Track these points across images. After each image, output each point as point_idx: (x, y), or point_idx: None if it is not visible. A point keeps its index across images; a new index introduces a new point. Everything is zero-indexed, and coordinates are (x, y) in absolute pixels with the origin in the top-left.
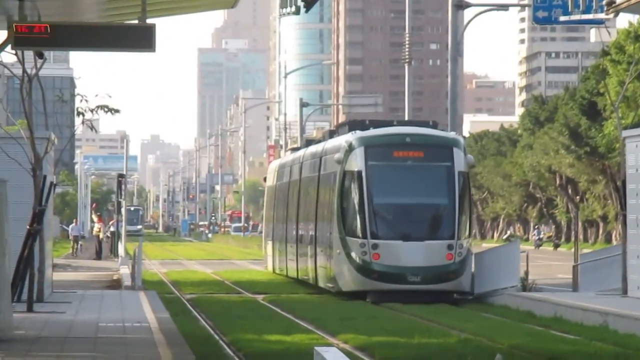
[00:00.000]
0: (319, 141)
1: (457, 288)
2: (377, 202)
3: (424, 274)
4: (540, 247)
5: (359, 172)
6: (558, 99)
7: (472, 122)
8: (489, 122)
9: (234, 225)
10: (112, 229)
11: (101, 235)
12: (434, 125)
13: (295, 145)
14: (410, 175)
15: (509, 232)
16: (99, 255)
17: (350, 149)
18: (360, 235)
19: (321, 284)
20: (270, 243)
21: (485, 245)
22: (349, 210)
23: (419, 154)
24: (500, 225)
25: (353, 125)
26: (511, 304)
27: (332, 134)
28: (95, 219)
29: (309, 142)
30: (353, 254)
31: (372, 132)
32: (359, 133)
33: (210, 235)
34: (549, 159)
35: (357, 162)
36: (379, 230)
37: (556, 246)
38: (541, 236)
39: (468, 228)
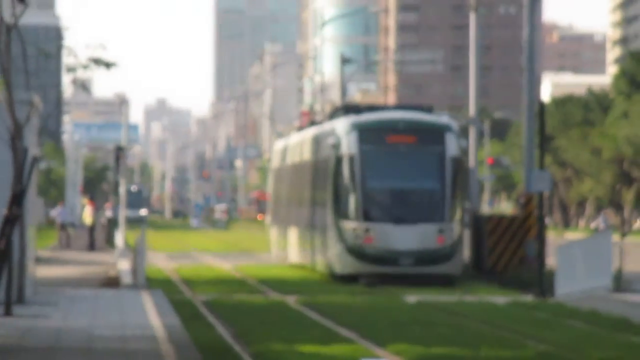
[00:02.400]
0: (320, 123)
1: (448, 271)
2: (369, 186)
3: (415, 257)
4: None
5: (352, 157)
6: None
7: (553, 84)
8: (574, 84)
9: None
10: (108, 214)
11: (90, 222)
12: (429, 110)
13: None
14: (402, 160)
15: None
16: (91, 247)
17: (344, 133)
18: (353, 219)
19: (318, 267)
20: (273, 229)
21: (570, 235)
22: (343, 194)
23: (412, 139)
24: (588, 211)
25: (348, 109)
26: (601, 308)
27: (331, 117)
28: (85, 202)
29: (312, 123)
30: (346, 237)
31: (366, 116)
32: (353, 118)
33: (199, 222)
34: None
35: (350, 147)
36: (371, 214)
37: (623, 234)
38: (607, 224)
39: (460, 212)
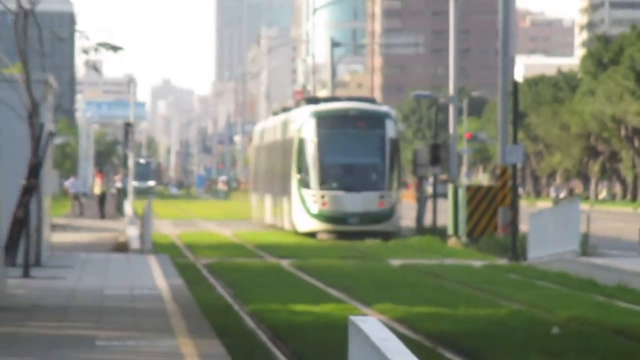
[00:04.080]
0: (290, 109)
1: (387, 228)
2: (324, 161)
3: (361, 218)
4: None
5: (311, 138)
6: (624, 39)
7: (526, 65)
8: (544, 65)
9: None
10: (118, 185)
11: (99, 191)
12: (372, 101)
13: (283, 106)
14: (351, 141)
15: (563, 194)
16: (101, 215)
17: (305, 119)
18: (312, 188)
19: (285, 227)
20: (253, 196)
21: (541, 204)
22: (304, 168)
23: (359, 125)
24: (557, 182)
25: (309, 100)
26: (570, 271)
27: (296, 105)
28: (96, 174)
29: (284, 109)
30: (306, 202)
31: (323, 106)
32: (313, 107)
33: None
34: (612, 106)
35: (310, 130)
36: (326, 184)
37: (556, 202)
38: (559, 193)
39: (396, 182)
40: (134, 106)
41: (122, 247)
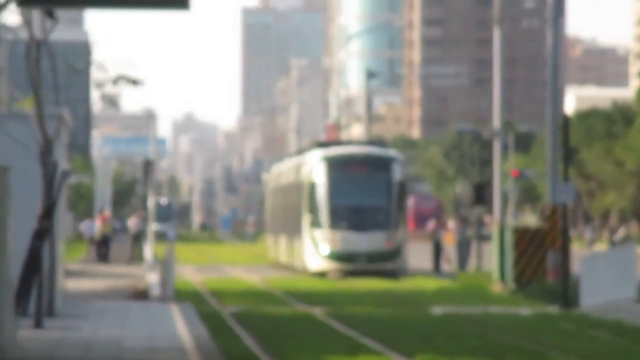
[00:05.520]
0: (302, 153)
1: (393, 267)
2: (335, 203)
3: (369, 257)
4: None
5: (322, 181)
6: None
7: (577, 97)
8: (597, 97)
9: None
10: (132, 228)
11: (98, 235)
12: (381, 144)
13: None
14: (359, 184)
15: (618, 232)
16: (102, 257)
17: (315, 163)
18: (323, 228)
19: (297, 266)
20: (270, 237)
21: (595, 247)
22: (315, 209)
23: (367, 168)
24: (612, 222)
25: (320, 144)
26: (626, 319)
27: (309, 149)
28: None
29: (298, 152)
30: (317, 242)
31: (333, 150)
32: (323, 151)
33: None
34: None
35: (321, 174)
36: (336, 224)
37: (613, 243)
38: (593, 235)
39: (403, 222)
40: (154, 142)
41: (141, 295)
